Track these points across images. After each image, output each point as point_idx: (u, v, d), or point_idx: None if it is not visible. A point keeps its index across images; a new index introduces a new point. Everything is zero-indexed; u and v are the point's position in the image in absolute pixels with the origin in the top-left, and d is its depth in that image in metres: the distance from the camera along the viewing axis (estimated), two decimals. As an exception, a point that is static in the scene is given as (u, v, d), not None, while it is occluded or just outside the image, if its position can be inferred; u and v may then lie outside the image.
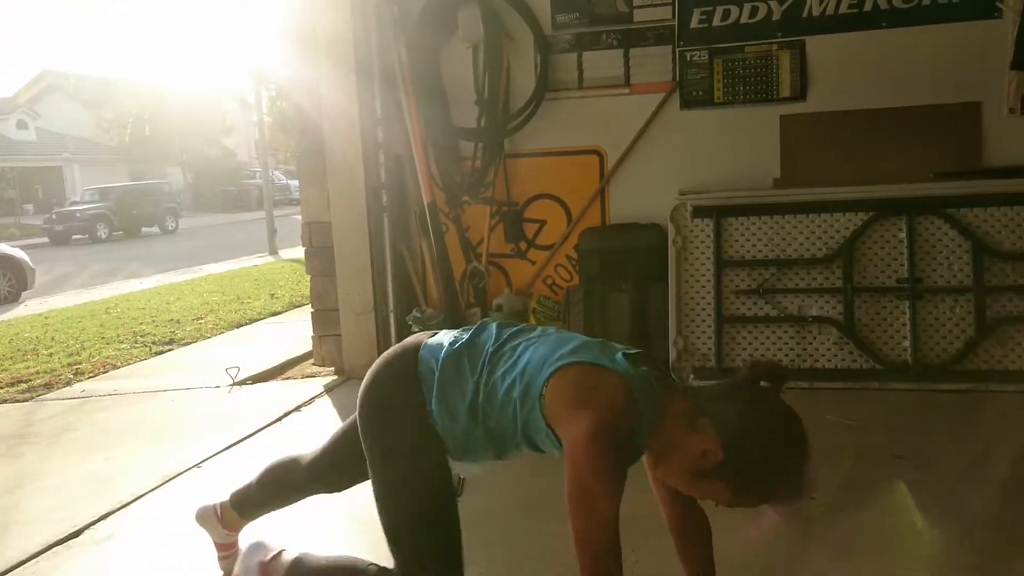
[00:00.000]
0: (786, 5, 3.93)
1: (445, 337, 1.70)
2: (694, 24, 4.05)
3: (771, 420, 1.45)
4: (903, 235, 3.76)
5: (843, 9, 3.88)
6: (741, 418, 1.43)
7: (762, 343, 3.88)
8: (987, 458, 2.87)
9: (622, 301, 4.04)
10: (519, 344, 1.61)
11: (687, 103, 4.12)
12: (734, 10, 4.00)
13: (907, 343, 3.71)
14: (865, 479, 2.74)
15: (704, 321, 3.96)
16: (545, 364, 1.52)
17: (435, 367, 1.61)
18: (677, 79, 4.11)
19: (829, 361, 3.80)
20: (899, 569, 2.17)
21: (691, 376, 3.91)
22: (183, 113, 28.53)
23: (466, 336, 1.68)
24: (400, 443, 1.62)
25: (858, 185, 3.85)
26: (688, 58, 4.08)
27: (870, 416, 3.36)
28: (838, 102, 3.96)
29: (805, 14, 3.93)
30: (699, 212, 4.02)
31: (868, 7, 3.85)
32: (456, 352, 1.63)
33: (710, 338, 3.93)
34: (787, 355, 3.84)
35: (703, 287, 3.98)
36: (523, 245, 4.40)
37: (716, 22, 4.03)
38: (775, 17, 3.96)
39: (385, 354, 1.74)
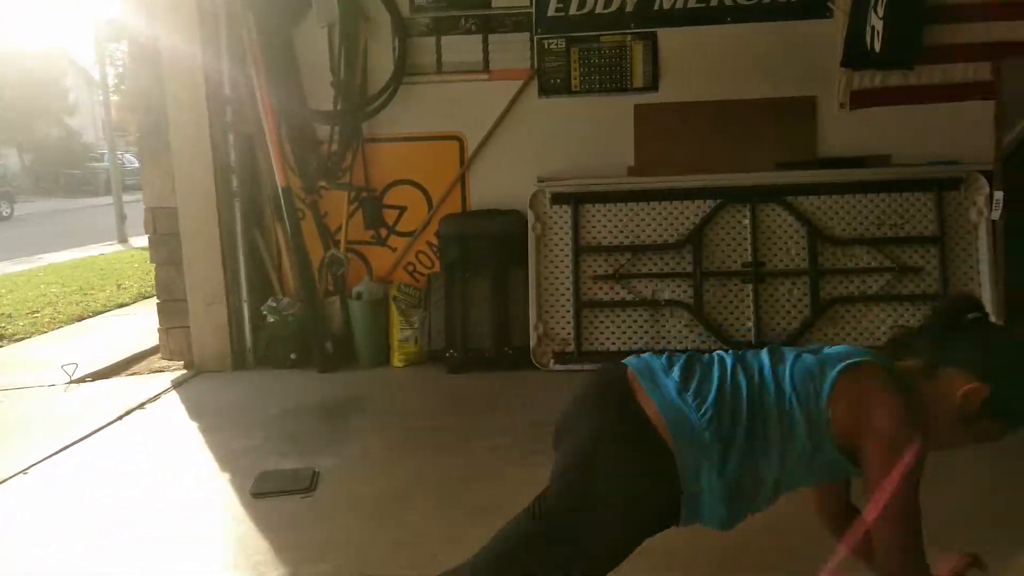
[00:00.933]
0: (639, -3, 4.03)
1: (669, 383, 1.41)
2: (551, 12, 4.09)
3: (1010, 336, 1.45)
4: (747, 222, 3.95)
5: (691, 4, 4.01)
6: (983, 348, 1.39)
7: (618, 326, 3.99)
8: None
9: (483, 287, 4.04)
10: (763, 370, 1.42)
11: (545, 91, 4.15)
12: (590, 0, 4.06)
13: (751, 323, 3.91)
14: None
15: (563, 306, 4.02)
16: (815, 377, 1.37)
17: (700, 433, 1.34)
18: (535, 66, 4.14)
19: (680, 343, 3.95)
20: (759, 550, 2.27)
21: (551, 361, 3.97)
22: (17, 89, 26.24)
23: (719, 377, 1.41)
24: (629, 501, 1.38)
25: (706, 174, 4.01)
26: (546, 46, 4.12)
27: (717, 394, 3.52)
28: (688, 93, 4.10)
29: (657, 7, 4.04)
30: (557, 199, 4.07)
31: (714, 2, 4.00)
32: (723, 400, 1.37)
33: (569, 323, 4.00)
34: (642, 337, 3.96)
35: (562, 272, 4.04)
36: (383, 232, 4.32)
37: (573, 11, 4.08)
38: (629, 9, 4.05)
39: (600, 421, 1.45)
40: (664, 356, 1.48)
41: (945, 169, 3.90)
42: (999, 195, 3.80)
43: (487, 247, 4.04)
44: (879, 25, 3.78)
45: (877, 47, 3.81)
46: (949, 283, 3.82)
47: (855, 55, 3.90)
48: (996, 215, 3.80)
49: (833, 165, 3.96)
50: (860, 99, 3.99)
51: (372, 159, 4.26)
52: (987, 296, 3.78)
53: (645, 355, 1.51)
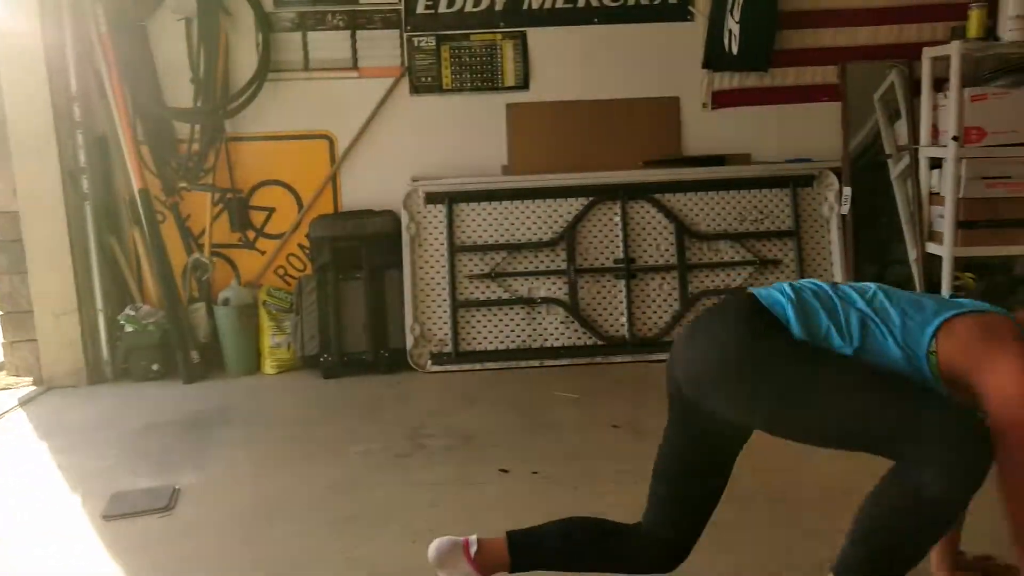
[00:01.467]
0: (507, -4, 4.04)
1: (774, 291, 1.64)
2: (420, 9, 4.04)
3: None
4: (618, 219, 4.04)
5: (560, 4, 4.06)
6: None
7: (495, 325, 3.99)
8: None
9: (357, 289, 3.95)
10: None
11: (416, 89, 4.10)
12: (459, -3, 4.05)
13: (624, 319, 3.99)
14: (587, 449, 2.90)
15: (440, 307, 3.99)
16: (923, 323, 1.49)
17: (788, 299, 1.58)
18: (406, 64, 4.08)
19: (557, 340, 3.99)
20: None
21: (428, 362, 3.93)
22: None
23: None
24: (796, 366, 1.52)
25: (578, 172, 4.07)
26: (416, 43, 4.07)
27: (593, 389, 3.58)
28: (559, 93, 4.14)
29: (526, 6, 4.06)
30: (432, 198, 4.03)
31: (581, 3, 4.06)
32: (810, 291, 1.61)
33: (446, 323, 3.97)
34: (519, 336, 3.98)
35: (438, 273, 4.00)
36: (251, 234, 4.15)
37: (442, 8, 4.05)
38: (498, 7, 4.05)
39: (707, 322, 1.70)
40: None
41: (799, 167, 4.11)
42: (847, 191, 4.05)
43: (360, 248, 3.95)
44: (735, 29, 3.95)
45: (734, 50, 3.98)
46: (805, 274, 4.03)
47: (714, 57, 4.05)
48: (845, 209, 4.04)
49: (697, 163, 4.10)
50: (721, 100, 4.15)
51: (237, 159, 4.09)
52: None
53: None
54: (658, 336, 3.98)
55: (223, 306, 3.96)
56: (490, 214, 4.04)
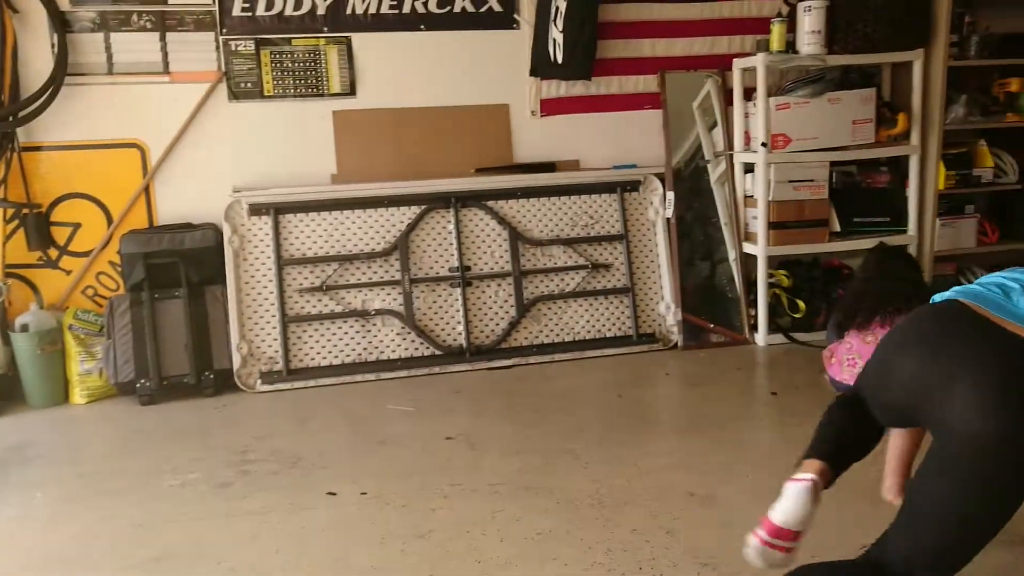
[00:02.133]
0: (330, 0, 3.91)
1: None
2: (237, 11, 3.84)
3: None
4: (452, 227, 4.01)
5: (384, 9, 3.98)
6: None
7: (329, 340, 3.85)
8: (529, 429, 3.17)
9: (176, 308, 3.69)
10: None
11: (236, 95, 3.90)
12: (278, 1, 3.87)
13: (461, 327, 3.96)
14: (419, 465, 2.84)
15: (268, 323, 3.81)
16: None
17: None
18: (223, 69, 3.87)
19: (394, 352, 3.90)
20: (446, 554, 2.26)
21: (258, 382, 3.74)
22: None
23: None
24: None
25: (410, 180, 4.01)
26: (233, 47, 3.86)
27: (429, 400, 3.52)
28: (388, 99, 4.06)
29: (349, 11, 3.95)
30: (256, 210, 3.84)
31: (407, 9, 4.00)
32: None
33: (276, 340, 3.79)
34: (354, 350, 3.86)
35: (265, 287, 3.82)
36: (53, 252, 3.80)
37: (260, 11, 3.87)
38: (320, 11, 3.92)
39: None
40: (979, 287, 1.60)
41: (626, 172, 4.24)
42: (671, 195, 4.21)
43: (179, 264, 3.70)
44: (559, 38, 4.01)
45: (559, 58, 4.04)
46: (635, 276, 4.16)
47: (541, 65, 4.11)
48: (670, 213, 4.21)
49: (528, 170, 4.14)
50: (549, 107, 4.21)
51: (33, 170, 3.73)
52: (665, 285, 4.16)
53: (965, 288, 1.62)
54: (495, 343, 3.98)
55: (22, 332, 3.59)
56: (319, 225, 3.90)
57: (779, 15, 4.07)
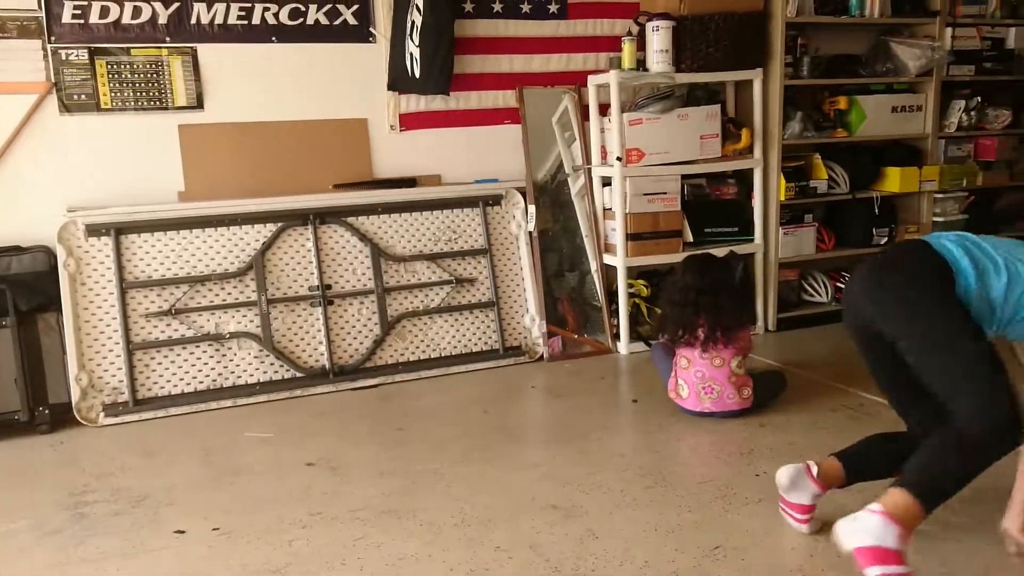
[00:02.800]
0: (172, 9, 3.72)
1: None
2: (67, 19, 3.58)
3: None
4: (311, 244, 3.89)
5: (232, 19, 3.82)
6: None
7: (180, 366, 3.64)
8: (393, 450, 3.09)
9: (3, 339, 3.38)
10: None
11: (68, 107, 3.63)
12: (114, 8, 3.64)
13: (323, 348, 3.84)
14: (277, 495, 2.71)
15: (111, 351, 3.55)
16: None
17: (959, 252, 2.01)
18: (53, 80, 3.59)
19: (251, 376, 3.73)
20: (291, 585, 2.15)
21: (101, 415, 3.48)
22: None
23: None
24: (938, 307, 1.97)
25: (264, 196, 3.86)
26: (64, 56, 3.60)
27: (290, 425, 3.39)
28: (239, 113, 3.90)
29: (194, 20, 3.77)
30: (94, 230, 3.59)
31: (257, 20, 3.86)
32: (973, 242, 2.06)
33: (120, 369, 3.54)
34: (208, 375, 3.66)
35: (107, 313, 3.56)
36: None
37: (94, 19, 3.62)
38: (162, 20, 3.71)
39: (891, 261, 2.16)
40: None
41: (487, 187, 4.25)
42: (532, 209, 4.26)
43: (5, 291, 3.39)
44: (416, 52, 3.98)
45: (417, 73, 4.01)
46: (499, 290, 4.17)
47: (398, 80, 4.06)
48: (531, 226, 4.25)
49: (388, 185, 4.08)
50: (408, 122, 4.17)
51: None
52: (530, 298, 4.20)
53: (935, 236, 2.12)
54: (360, 363, 3.88)
55: None
56: (167, 245, 3.68)
57: (629, 34, 4.21)
